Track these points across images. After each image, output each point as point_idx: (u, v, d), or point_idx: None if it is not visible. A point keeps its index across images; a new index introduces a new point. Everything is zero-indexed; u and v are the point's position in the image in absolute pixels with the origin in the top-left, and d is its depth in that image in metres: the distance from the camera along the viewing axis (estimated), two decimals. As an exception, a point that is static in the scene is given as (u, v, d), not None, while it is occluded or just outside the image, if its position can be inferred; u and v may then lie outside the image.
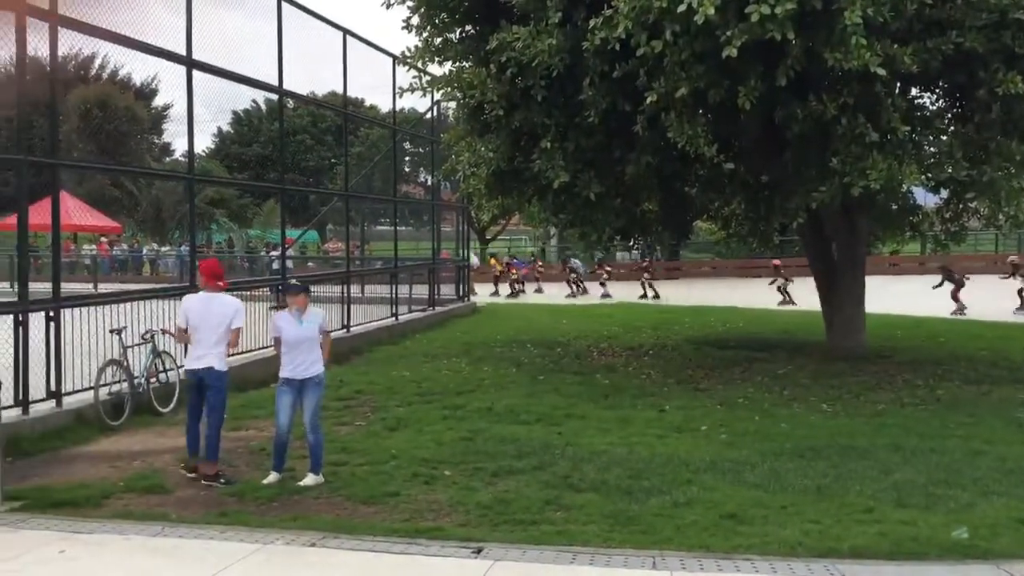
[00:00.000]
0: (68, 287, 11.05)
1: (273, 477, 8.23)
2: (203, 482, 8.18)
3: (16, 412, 9.51)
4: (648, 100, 11.66)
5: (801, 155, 13.03)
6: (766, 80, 11.55)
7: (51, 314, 10.21)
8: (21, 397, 9.68)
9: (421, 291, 23.09)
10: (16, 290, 10.41)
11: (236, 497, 7.80)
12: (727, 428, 10.33)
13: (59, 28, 10.23)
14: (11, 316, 9.82)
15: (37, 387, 9.95)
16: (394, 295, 20.59)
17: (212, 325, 8.34)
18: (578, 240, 18.62)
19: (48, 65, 10.51)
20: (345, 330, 17.38)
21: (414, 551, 6.37)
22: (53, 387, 10.17)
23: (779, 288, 27.67)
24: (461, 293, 26.39)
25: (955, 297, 23.61)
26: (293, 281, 9.71)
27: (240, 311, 8.54)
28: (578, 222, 15.82)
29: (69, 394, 10.39)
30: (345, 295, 17.78)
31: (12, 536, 6.74)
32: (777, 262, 27.97)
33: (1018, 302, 23.60)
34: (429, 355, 16.43)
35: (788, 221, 14.28)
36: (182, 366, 12.07)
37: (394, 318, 20.20)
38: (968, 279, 24.31)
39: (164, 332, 11.71)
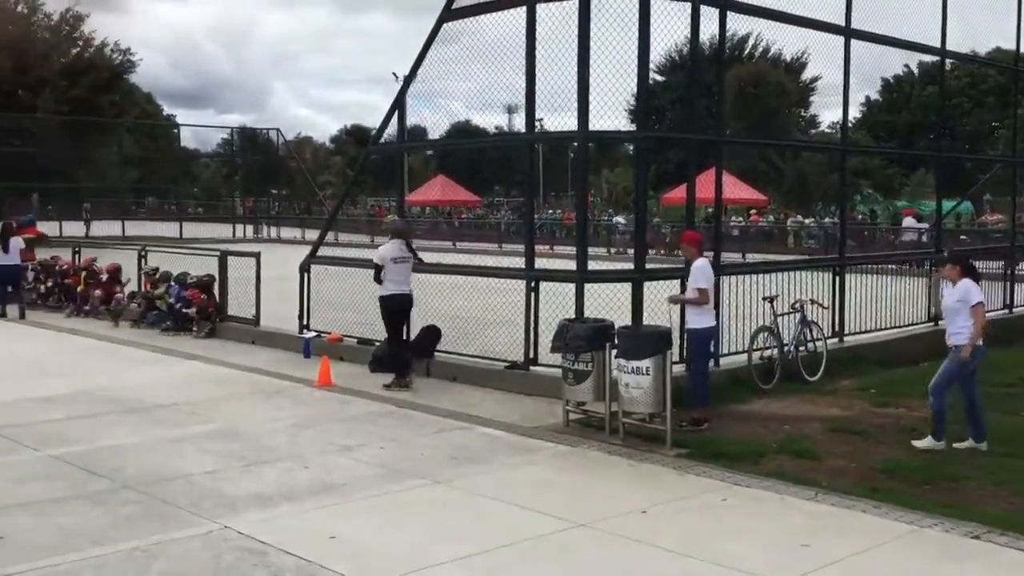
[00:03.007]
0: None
1: (927, 442, 8.38)
2: (685, 425, 8.90)
3: (681, 368, 10.49)
4: None
5: None
6: None
7: (712, 280, 11.03)
8: (686, 356, 10.66)
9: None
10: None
11: (887, 474, 7.63)
12: None
13: (728, 12, 10.90)
14: (678, 281, 10.86)
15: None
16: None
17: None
18: None
19: (709, 49, 11.24)
20: (1007, 311, 15.80)
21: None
22: (711, 348, 10.99)
23: None
24: None
25: None
26: (947, 252, 9.49)
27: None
28: None
29: (725, 356, 11.15)
30: (1008, 271, 16.12)
31: (680, 479, 7.50)
32: None
33: None
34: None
35: None
36: (830, 336, 12.25)
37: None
38: None
39: (813, 303, 11.92)
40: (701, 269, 9.38)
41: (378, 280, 10.97)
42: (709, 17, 10.79)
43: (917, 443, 8.42)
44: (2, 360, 12.95)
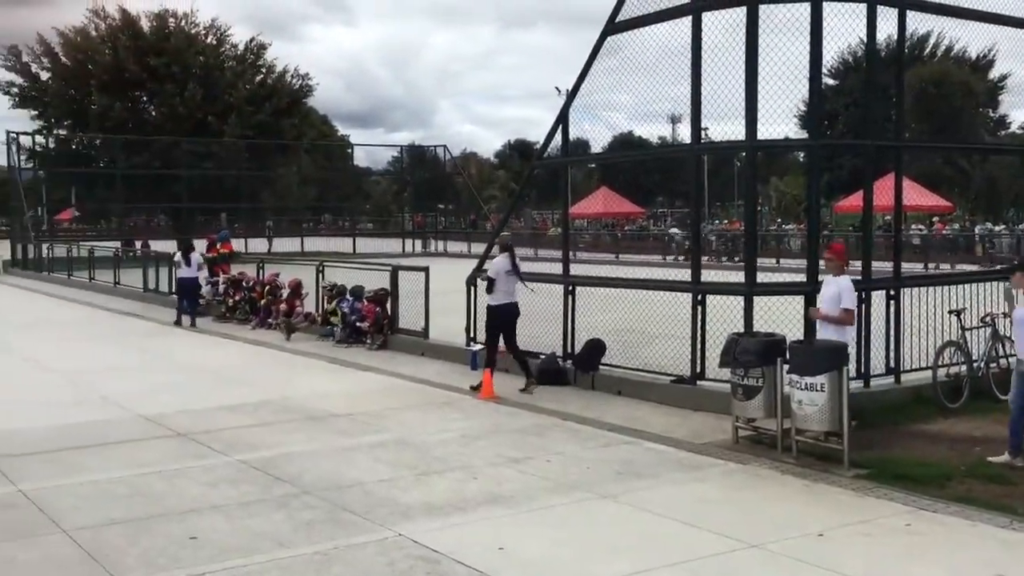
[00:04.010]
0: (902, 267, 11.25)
1: (1004, 458, 8.05)
2: None
3: (858, 384, 10.04)
4: None
5: None
6: None
7: (891, 292, 10.51)
8: (863, 371, 10.20)
9: None
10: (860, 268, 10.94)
11: (1094, 504, 7.00)
12: None
13: (907, 11, 10.37)
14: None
15: (877, 363, 10.36)
16: None
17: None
18: None
19: (886, 50, 10.74)
20: None
21: None
22: (892, 364, 10.47)
23: None
24: None
25: None
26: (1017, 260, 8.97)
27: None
28: None
29: (907, 372, 10.58)
30: None
31: (859, 501, 7.15)
32: None
33: None
34: None
35: None
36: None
37: None
38: None
39: (1005, 316, 11.13)
40: (849, 289, 9.14)
41: (489, 291, 11.70)
42: (886, 17, 10.32)
43: (993, 459, 8.10)
44: (193, 369, 13.86)
